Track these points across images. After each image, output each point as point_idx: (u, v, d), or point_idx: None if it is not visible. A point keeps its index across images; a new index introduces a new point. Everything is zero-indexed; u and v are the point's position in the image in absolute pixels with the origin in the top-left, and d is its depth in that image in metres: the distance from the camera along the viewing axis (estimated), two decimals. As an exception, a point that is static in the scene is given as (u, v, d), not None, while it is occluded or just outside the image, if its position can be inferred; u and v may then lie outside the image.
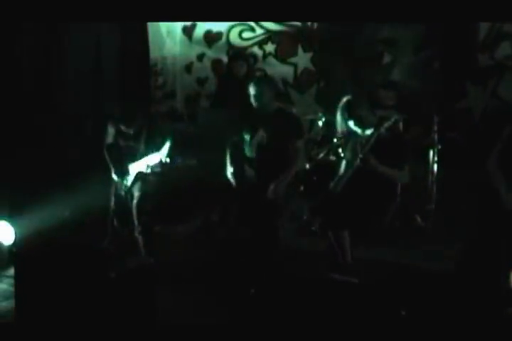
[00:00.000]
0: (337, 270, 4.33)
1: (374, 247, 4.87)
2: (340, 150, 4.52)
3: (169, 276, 4.46)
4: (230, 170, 4.85)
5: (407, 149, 4.46)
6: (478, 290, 3.72)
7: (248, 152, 4.86)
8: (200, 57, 7.84)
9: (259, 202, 4.65)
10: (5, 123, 5.31)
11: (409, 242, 5.19)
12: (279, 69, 7.35)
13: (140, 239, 4.81)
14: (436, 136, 5.53)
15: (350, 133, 4.48)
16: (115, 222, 5.01)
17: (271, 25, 7.38)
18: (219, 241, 5.07)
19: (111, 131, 4.96)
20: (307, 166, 5.78)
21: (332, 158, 5.58)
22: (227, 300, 4.05)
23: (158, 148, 4.75)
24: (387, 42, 6.82)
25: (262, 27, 7.45)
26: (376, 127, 4.29)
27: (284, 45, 7.40)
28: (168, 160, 4.71)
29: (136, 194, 4.83)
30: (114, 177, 4.92)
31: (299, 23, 7.23)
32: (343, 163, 4.50)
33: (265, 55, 7.50)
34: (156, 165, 4.80)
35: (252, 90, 4.70)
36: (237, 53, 7.29)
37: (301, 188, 5.70)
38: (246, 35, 7.56)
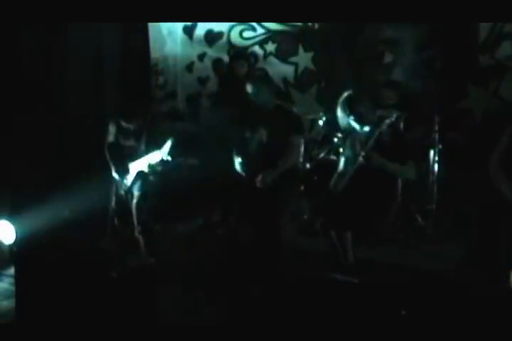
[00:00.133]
0: (338, 270, 4.33)
1: (374, 247, 4.87)
2: (340, 148, 4.53)
3: (170, 276, 4.45)
4: (237, 161, 4.81)
5: (408, 144, 4.46)
6: (479, 290, 3.72)
7: (249, 150, 4.85)
8: (201, 56, 7.83)
9: (259, 200, 4.63)
10: (5, 123, 5.31)
11: (410, 242, 5.19)
12: (280, 69, 7.35)
13: (140, 238, 4.81)
14: (436, 136, 5.53)
15: (350, 129, 4.48)
16: (116, 222, 5.01)
17: (272, 25, 7.37)
18: (220, 241, 5.07)
19: (112, 130, 4.96)
20: (307, 166, 5.78)
21: (333, 157, 5.59)
22: (228, 300, 4.05)
23: (159, 147, 4.75)
24: (388, 42, 6.81)
25: (262, 26, 7.44)
26: (378, 124, 4.29)
27: (285, 45, 7.40)
28: (169, 158, 4.71)
29: (136, 193, 4.83)
30: (115, 176, 4.92)
31: (299, 23, 7.22)
32: (342, 159, 4.50)
33: (266, 55, 7.49)
34: (157, 164, 4.80)
35: (250, 88, 4.72)
36: (238, 53, 7.29)
37: (302, 188, 5.69)
38: (247, 34, 7.55)
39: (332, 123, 5.18)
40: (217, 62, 7.75)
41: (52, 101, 5.77)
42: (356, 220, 4.31)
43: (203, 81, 7.85)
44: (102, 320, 3.40)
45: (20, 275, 3.68)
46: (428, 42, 6.58)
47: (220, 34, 7.69)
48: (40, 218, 4.77)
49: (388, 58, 6.85)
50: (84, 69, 6.07)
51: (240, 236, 4.80)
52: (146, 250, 4.82)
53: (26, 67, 5.58)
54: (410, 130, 5.34)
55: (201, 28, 7.72)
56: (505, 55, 6.31)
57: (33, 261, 3.63)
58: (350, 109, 4.41)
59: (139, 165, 4.84)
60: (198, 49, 7.82)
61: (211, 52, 7.77)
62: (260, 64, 7.44)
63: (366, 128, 4.37)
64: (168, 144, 4.72)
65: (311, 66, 7.29)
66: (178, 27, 7.82)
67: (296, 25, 7.24)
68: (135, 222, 4.81)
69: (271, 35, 7.45)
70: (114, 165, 4.94)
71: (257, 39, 7.51)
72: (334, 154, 5.60)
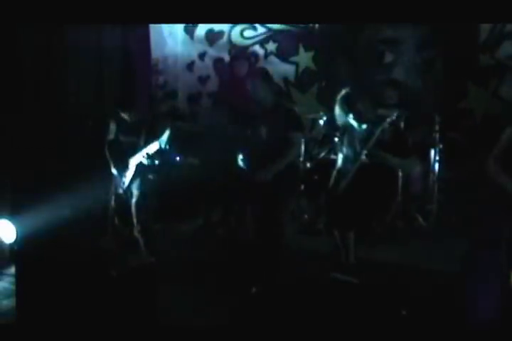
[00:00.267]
0: (339, 269, 4.33)
1: (375, 247, 4.88)
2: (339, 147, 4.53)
3: (170, 276, 4.45)
4: (238, 159, 4.81)
5: (409, 142, 4.47)
6: (479, 290, 3.72)
7: (250, 148, 4.85)
8: (202, 55, 7.84)
9: (259, 199, 4.63)
10: (5, 123, 5.31)
11: (410, 242, 5.19)
12: (281, 68, 7.35)
13: (140, 238, 4.81)
14: (437, 136, 5.53)
15: (348, 127, 4.48)
16: (116, 221, 5.02)
17: (272, 25, 7.37)
18: (220, 241, 5.07)
19: (112, 127, 4.97)
20: (308, 165, 5.78)
21: (333, 157, 5.59)
22: (228, 300, 4.05)
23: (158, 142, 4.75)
24: (388, 42, 6.81)
25: (263, 26, 7.45)
26: (379, 123, 4.29)
27: (286, 44, 7.40)
28: (167, 147, 4.70)
29: (136, 193, 4.83)
30: (114, 172, 4.92)
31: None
32: (340, 157, 4.50)
33: (267, 54, 7.50)
34: (155, 154, 4.78)
35: (250, 86, 4.72)
36: (239, 52, 7.29)
37: (302, 187, 5.70)
38: (247, 34, 7.56)
39: (332, 122, 5.18)
40: (217, 62, 7.75)
41: (52, 101, 5.77)
42: (359, 220, 4.31)
43: (203, 80, 7.86)
44: (102, 319, 3.40)
45: (21, 275, 3.68)
46: (428, 42, 6.59)
47: (220, 33, 7.70)
48: (40, 217, 4.77)
49: (388, 58, 6.85)
50: (84, 69, 6.07)
51: (240, 236, 4.81)
52: (146, 249, 4.82)
53: (26, 67, 5.58)
54: (410, 129, 5.34)
55: (202, 27, 7.72)
56: (505, 55, 6.32)
57: (33, 260, 3.64)
58: (348, 106, 4.41)
59: (137, 158, 4.83)
60: (199, 48, 7.83)
61: (212, 52, 7.77)
62: (261, 63, 7.45)
63: (365, 127, 4.37)
64: (166, 133, 4.70)
65: (311, 66, 7.30)
66: (178, 26, 7.82)
67: (296, 25, 7.24)
68: (135, 222, 4.81)
69: (271, 35, 7.45)
70: (113, 161, 4.95)
71: (257, 38, 7.51)
72: (335, 154, 5.60)
